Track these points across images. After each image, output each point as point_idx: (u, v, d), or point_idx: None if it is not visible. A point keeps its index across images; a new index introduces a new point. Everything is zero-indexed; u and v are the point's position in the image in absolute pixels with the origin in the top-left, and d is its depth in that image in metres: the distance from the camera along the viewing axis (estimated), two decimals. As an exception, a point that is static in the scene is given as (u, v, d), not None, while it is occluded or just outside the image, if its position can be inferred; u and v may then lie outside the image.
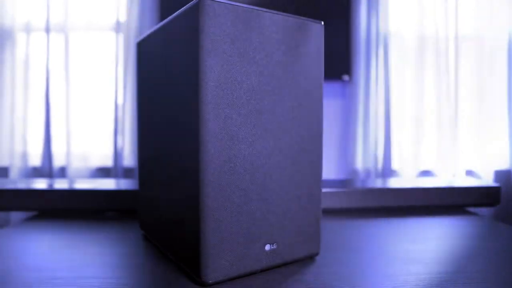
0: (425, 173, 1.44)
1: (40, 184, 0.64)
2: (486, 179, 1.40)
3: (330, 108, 1.46)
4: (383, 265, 0.38)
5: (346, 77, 1.39)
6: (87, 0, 1.36)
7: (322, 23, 0.39)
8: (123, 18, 1.36)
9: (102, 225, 0.53)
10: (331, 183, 0.68)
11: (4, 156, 1.37)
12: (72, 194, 0.59)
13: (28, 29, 1.32)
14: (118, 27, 1.35)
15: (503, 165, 1.41)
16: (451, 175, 1.39)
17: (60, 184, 0.64)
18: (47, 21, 1.32)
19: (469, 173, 1.44)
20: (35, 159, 1.39)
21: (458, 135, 1.40)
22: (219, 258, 0.33)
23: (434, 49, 1.38)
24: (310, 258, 0.40)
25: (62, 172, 1.38)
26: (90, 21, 1.37)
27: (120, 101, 1.35)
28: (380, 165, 1.41)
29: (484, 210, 1.42)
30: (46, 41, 1.33)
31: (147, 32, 0.44)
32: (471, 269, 0.37)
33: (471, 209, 1.27)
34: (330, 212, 0.62)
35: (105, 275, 0.35)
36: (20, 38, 1.35)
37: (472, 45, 1.42)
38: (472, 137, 1.43)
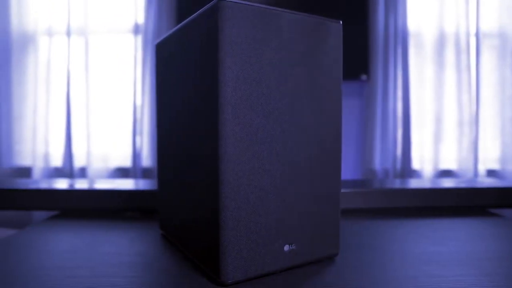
0: (446, 173, 1.41)
1: (61, 184, 0.66)
2: (509, 179, 1.36)
3: (348, 108, 1.45)
4: (403, 266, 0.38)
5: (364, 77, 1.37)
6: (106, 4, 1.38)
7: (341, 22, 0.38)
8: (141, 20, 1.38)
9: (121, 225, 0.54)
10: (349, 183, 0.67)
11: (27, 156, 1.41)
12: (92, 194, 0.60)
13: (50, 33, 1.36)
14: (136, 30, 1.37)
15: (527, 165, 1.37)
16: (472, 175, 1.36)
17: (81, 184, 0.65)
18: (68, 25, 1.35)
19: (491, 173, 1.41)
20: (57, 160, 1.42)
21: (480, 134, 1.37)
22: (238, 258, 0.33)
23: (455, 47, 1.36)
24: (329, 259, 0.40)
25: (83, 172, 1.41)
26: (109, 24, 1.39)
27: (138, 102, 1.37)
28: (399, 164, 1.39)
29: (507, 212, 1.38)
30: (67, 44, 1.35)
31: (166, 34, 0.44)
32: (493, 272, 0.36)
33: (493, 210, 1.24)
34: (349, 213, 0.61)
35: (124, 274, 0.36)
36: (42, 41, 1.38)
37: (494, 42, 1.38)
38: (494, 136, 1.39)
